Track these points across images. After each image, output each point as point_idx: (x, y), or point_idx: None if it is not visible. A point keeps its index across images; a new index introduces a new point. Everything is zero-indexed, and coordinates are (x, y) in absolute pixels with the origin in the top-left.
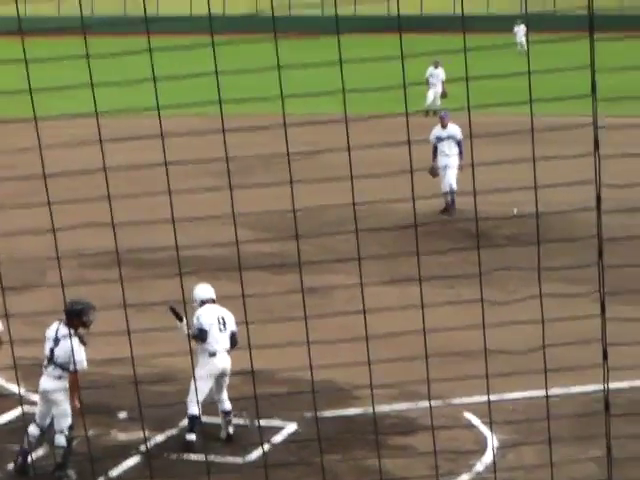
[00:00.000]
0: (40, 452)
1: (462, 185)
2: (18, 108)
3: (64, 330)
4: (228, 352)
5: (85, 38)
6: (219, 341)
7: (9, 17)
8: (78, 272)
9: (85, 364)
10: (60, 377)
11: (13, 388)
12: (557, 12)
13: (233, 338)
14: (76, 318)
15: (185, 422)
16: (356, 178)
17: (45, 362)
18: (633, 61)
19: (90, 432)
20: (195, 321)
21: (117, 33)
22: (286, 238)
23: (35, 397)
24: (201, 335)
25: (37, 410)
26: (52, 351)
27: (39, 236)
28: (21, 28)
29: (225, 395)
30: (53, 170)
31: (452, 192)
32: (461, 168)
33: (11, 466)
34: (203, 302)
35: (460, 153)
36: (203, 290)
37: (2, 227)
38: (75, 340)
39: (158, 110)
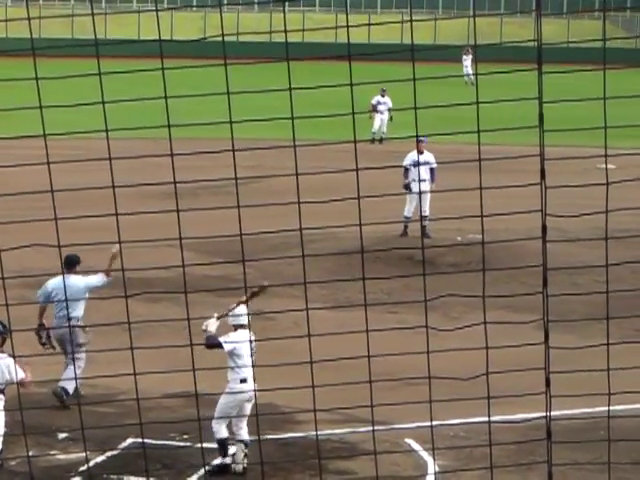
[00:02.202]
0: None
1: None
2: None
3: None
4: (255, 379)
5: (34, 59)
6: (250, 367)
7: None
8: (21, 292)
9: (22, 374)
10: None
11: None
12: (504, 43)
13: None
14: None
15: (126, 443)
16: (302, 204)
17: None
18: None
19: (30, 452)
20: (228, 340)
21: (63, 55)
22: (230, 262)
23: None
24: (212, 342)
25: None
26: None
27: None
28: None
29: (244, 424)
30: None
31: (425, 218)
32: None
33: None
34: (238, 326)
35: (432, 180)
36: (243, 314)
37: None
38: (6, 356)
39: (107, 132)
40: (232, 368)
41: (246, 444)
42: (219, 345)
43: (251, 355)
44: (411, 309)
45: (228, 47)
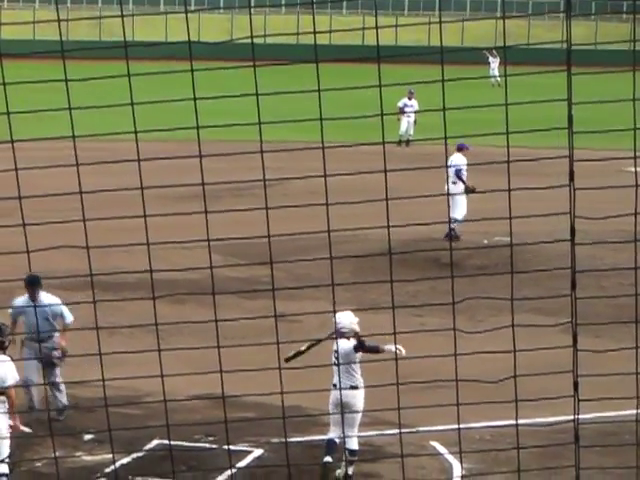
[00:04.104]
0: None
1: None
2: None
3: None
4: (352, 387)
5: (64, 62)
6: (335, 374)
7: None
8: None
9: (18, 377)
10: None
11: None
12: (534, 45)
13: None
14: None
15: (151, 445)
16: (329, 205)
17: None
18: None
19: (56, 454)
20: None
21: (90, 58)
22: (255, 264)
23: None
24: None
25: None
26: None
27: (4, 257)
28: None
29: (352, 432)
30: (23, 192)
31: (455, 221)
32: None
33: None
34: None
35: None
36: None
37: None
38: (3, 357)
39: (136, 134)
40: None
41: (350, 452)
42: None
43: (334, 364)
44: (436, 312)
45: (256, 49)
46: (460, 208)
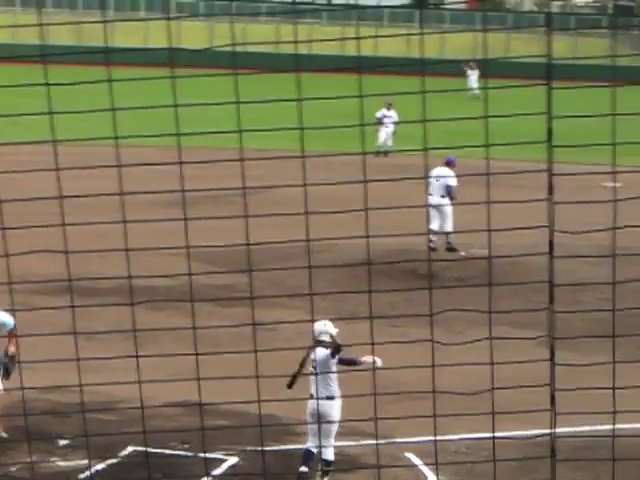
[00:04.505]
0: None
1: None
2: None
3: None
4: (329, 397)
5: (46, 66)
6: (312, 383)
7: None
8: (24, 297)
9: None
10: None
11: None
12: (514, 58)
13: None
14: None
15: (126, 451)
16: (309, 214)
17: None
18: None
19: (31, 459)
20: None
21: (71, 62)
22: (233, 271)
23: None
24: None
25: None
26: None
27: None
28: None
29: (328, 442)
30: (3, 196)
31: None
32: None
33: None
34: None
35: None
36: (315, 331)
37: None
38: None
39: (116, 139)
40: None
41: (325, 462)
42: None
43: (312, 373)
44: (414, 323)
45: (236, 57)
46: (450, 219)
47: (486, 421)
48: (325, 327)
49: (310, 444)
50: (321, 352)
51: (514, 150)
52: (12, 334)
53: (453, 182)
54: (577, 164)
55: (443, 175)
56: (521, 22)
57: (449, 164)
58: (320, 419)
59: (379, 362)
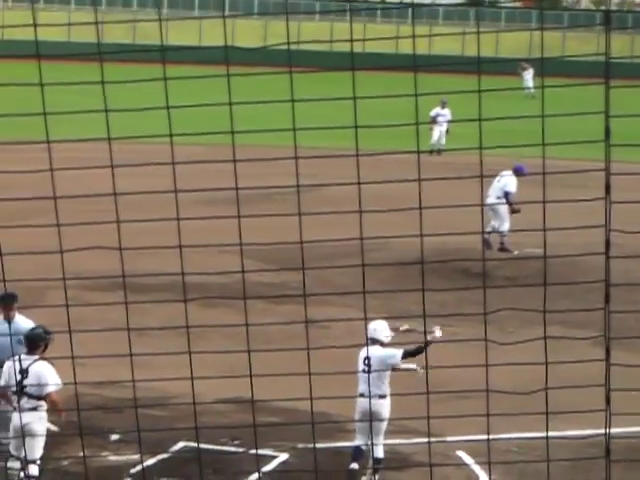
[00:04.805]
0: None
1: (466, 226)
2: (14, 131)
3: (28, 359)
4: (381, 395)
5: (102, 64)
6: (363, 382)
7: (21, 41)
8: (76, 293)
9: (60, 382)
10: (36, 408)
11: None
12: (568, 57)
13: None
14: (41, 342)
15: (177, 447)
16: (359, 212)
17: (15, 398)
18: None
19: (82, 453)
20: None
21: (125, 61)
22: (284, 269)
23: None
24: None
25: (11, 444)
26: (22, 384)
27: (36, 257)
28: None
29: (378, 440)
30: (58, 193)
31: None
32: None
33: None
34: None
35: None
36: (370, 329)
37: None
38: (46, 363)
39: (171, 137)
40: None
41: (377, 461)
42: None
43: (364, 371)
44: (466, 322)
45: (290, 55)
46: (506, 221)
47: (537, 421)
48: (380, 327)
49: (359, 442)
50: (378, 351)
51: (571, 149)
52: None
53: (512, 188)
54: (635, 163)
55: (506, 184)
56: (578, 20)
57: (517, 171)
58: (371, 417)
59: (438, 333)
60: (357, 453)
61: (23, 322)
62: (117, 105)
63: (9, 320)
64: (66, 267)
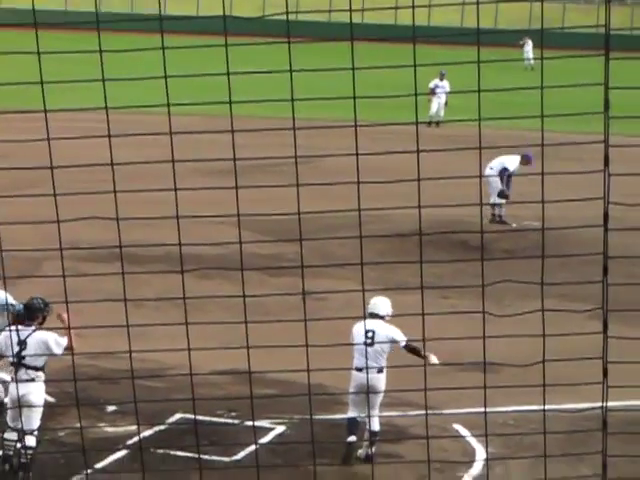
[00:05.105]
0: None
1: (464, 197)
2: (11, 99)
3: (26, 330)
4: (379, 369)
5: (99, 33)
6: (361, 355)
7: (19, 10)
8: (72, 264)
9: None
10: (34, 379)
11: (4, 376)
12: (567, 29)
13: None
14: (39, 313)
15: (174, 418)
16: (356, 184)
17: (12, 368)
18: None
19: (79, 424)
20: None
21: (122, 30)
22: (281, 240)
23: None
24: None
25: (8, 414)
26: (20, 355)
27: (33, 227)
28: (35, 21)
29: (374, 413)
30: (55, 163)
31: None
32: None
33: None
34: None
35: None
36: (372, 304)
37: None
38: (44, 331)
39: (168, 107)
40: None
41: (373, 433)
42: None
43: (367, 344)
44: (463, 294)
45: (288, 26)
46: (494, 194)
47: (535, 394)
48: (382, 302)
49: (353, 414)
50: (383, 326)
51: (570, 122)
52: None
53: (511, 167)
54: (635, 136)
55: (509, 166)
56: None
57: (525, 158)
58: (369, 391)
59: (435, 360)
60: (353, 425)
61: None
62: (115, 75)
63: None
64: (63, 237)
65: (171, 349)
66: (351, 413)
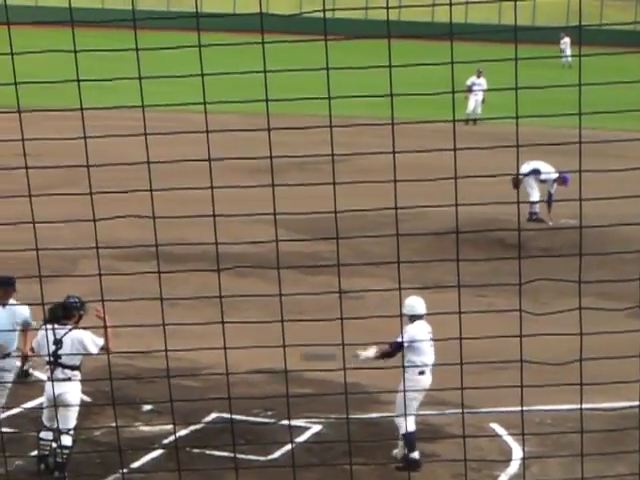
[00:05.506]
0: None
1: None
2: (48, 97)
3: (62, 329)
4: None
5: (135, 31)
6: (430, 359)
7: (55, 8)
8: (109, 263)
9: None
10: (70, 378)
11: (41, 376)
12: (606, 25)
13: None
14: (76, 312)
15: (209, 418)
16: (393, 182)
17: (49, 367)
18: None
19: (114, 424)
20: (405, 336)
21: (159, 28)
22: (317, 239)
23: None
24: (392, 351)
25: (44, 414)
26: (56, 354)
27: (69, 226)
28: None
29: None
30: (92, 161)
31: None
32: None
33: (34, 453)
34: (415, 317)
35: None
36: (419, 304)
37: (33, 215)
38: (81, 330)
39: (205, 105)
40: (408, 361)
41: (403, 435)
42: (399, 348)
43: (431, 346)
44: (500, 293)
45: (320, 23)
46: (535, 190)
47: (571, 393)
48: (420, 302)
49: (413, 425)
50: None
51: (608, 119)
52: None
53: (544, 173)
54: None
55: (546, 172)
56: None
57: (561, 179)
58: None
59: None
60: (415, 438)
61: (18, 308)
62: (151, 73)
63: (4, 304)
64: (99, 236)
65: (207, 348)
66: (412, 425)
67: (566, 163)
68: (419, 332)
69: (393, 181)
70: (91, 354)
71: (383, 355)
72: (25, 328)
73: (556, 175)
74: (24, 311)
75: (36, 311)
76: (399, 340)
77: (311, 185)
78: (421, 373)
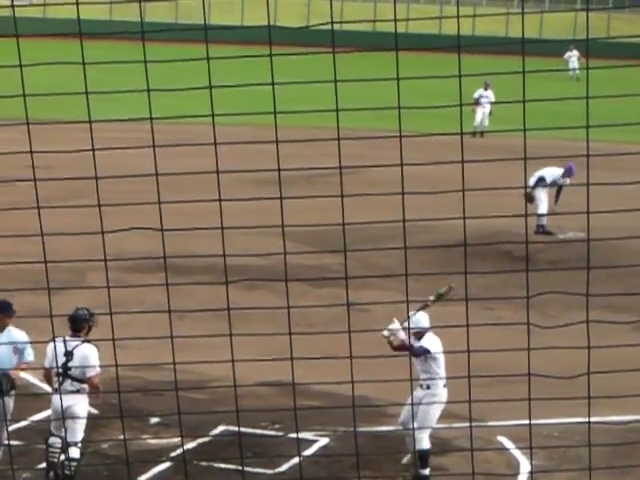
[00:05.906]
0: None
1: (509, 207)
2: (56, 110)
3: (73, 342)
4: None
5: (144, 43)
6: (444, 371)
7: (63, 19)
8: (117, 275)
9: (98, 368)
10: (79, 390)
11: (46, 388)
12: (613, 38)
13: None
14: (85, 323)
15: (217, 430)
16: (401, 194)
17: (57, 379)
18: None
19: (122, 436)
20: (430, 347)
21: (167, 40)
22: (325, 251)
23: None
24: (420, 351)
25: (52, 425)
26: (66, 366)
27: (77, 238)
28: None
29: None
30: (100, 173)
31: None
32: None
33: (42, 465)
34: (421, 332)
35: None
36: (424, 319)
37: (42, 228)
38: (91, 346)
39: (212, 117)
40: (432, 373)
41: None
42: (426, 352)
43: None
44: (508, 306)
45: (329, 35)
46: (543, 202)
47: (579, 406)
48: (425, 317)
49: (428, 442)
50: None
51: (616, 132)
52: (21, 367)
53: (548, 178)
54: None
55: (551, 175)
56: (623, 1)
57: (567, 170)
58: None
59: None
60: (429, 455)
61: (17, 333)
62: (159, 85)
63: (2, 329)
64: (107, 248)
65: (215, 360)
66: (426, 442)
67: (576, 176)
68: (438, 344)
69: (401, 193)
70: (92, 371)
71: (403, 344)
72: (21, 360)
73: (561, 171)
74: (22, 337)
75: (44, 323)
76: (425, 346)
77: (319, 197)
78: (445, 386)
